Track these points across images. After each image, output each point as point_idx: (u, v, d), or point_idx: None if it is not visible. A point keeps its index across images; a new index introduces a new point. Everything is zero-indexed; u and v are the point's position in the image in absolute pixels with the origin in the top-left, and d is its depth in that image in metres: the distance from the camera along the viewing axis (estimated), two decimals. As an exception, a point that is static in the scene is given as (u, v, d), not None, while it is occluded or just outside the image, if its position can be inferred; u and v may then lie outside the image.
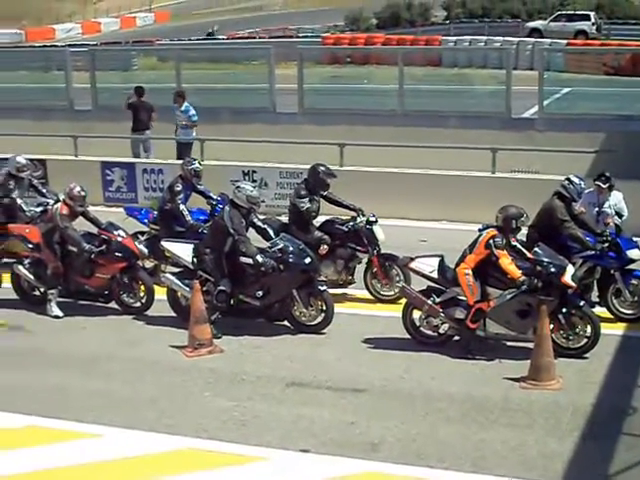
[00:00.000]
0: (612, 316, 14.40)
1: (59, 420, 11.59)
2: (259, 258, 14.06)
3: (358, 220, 15.74)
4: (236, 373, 13.07)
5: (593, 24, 55.23)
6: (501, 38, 46.26)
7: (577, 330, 13.32)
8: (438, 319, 13.62)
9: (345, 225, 15.83)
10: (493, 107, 24.04)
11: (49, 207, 16.47)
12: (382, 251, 15.73)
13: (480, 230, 14.10)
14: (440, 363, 13.30)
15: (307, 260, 14.34)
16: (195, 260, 14.64)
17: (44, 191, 18.08)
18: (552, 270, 13.23)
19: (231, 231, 14.16)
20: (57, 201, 15.96)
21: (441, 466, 10.34)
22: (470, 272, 13.28)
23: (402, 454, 10.65)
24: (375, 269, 15.80)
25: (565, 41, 46.60)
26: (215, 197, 16.49)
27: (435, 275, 13.69)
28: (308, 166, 16.40)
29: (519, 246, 13.61)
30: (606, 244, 14.47)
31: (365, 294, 15.95)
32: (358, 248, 15.80)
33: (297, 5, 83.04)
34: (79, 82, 27.34)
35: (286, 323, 14.63)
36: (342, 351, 13.80)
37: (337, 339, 14.19)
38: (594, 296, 14.66)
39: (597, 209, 15.34)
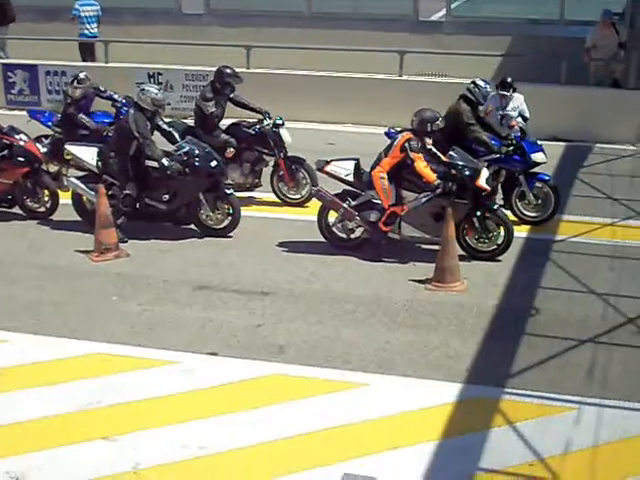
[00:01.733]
0: (516, 219, 14.55)
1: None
2: (165, 161, 14.03)
3: (265, 123, 15.71)
4: (143, 277, 13.09)
5: None
6: None
7: (491, 233, 13.53)
8: (353, 222, 13.71)
9: (252, 128, 15.81)
10: (401, 10, 23.90)
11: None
12: (289, 154, 15.74)
13: (387, 134, 14.16)
14: (349, 266, 13.43)
15: (213, 163, 14.30)
16: (100, 164, 14.55)
17: None
18: (467, 173, 13.38)
19: (136, 134, 14.06)
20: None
21: (346, 367, 10.49)
22: (385, 176, 13.35)
23: (308, 356, 10.78)
24: (282, 172, 15.87)
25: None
26: (120, 100, 16.28)
27: (351, 178, 13.76)
28: (214, 68, 16.28)
29: (434, 150, 13.66)
30: (511, 147, 14.61)
31: (272, 197, 15.99)
32: (265, 151, 15.82)
33: None
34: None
35: (193, 227, 14.63)
36: (249, 254, 13.89)
37: (244, 243, 14.26)
38: (499, 199, 14.79)
39: (501, 112, 15.39)
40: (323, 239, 14.06)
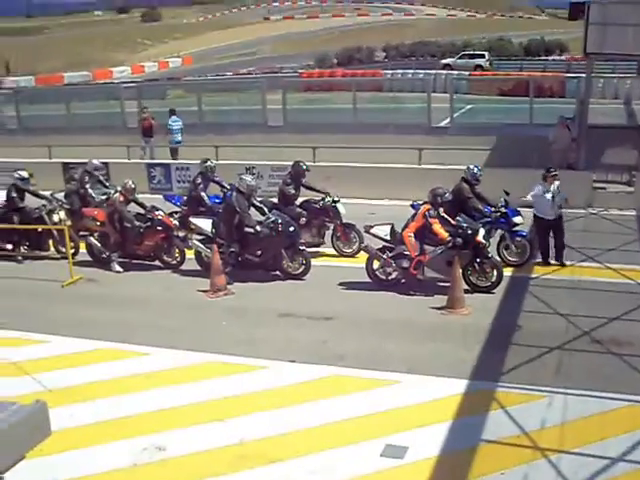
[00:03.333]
0: (503, 263, 14.37)
1: (120, 343, 11.62)
2: (258, 228, 14.19)
3: (326, 200, 15.73)
4: (244, 308, 13.06)
5: (487, 60, 55.00)
6: (423, 71, 46.03)
7: (487, 274, 13.47)
8: (390, 268, 13.69)
9: (317, 203, 15.82)
10: (418, 119, 23.96)
11: (111, 196, 16.43)
12: (344, 221, 15.72)
13: (412, 206, 14.14)
14: (386, 299, 13.30)
15: (292, 229, 14.39)
16: (213, 230, 14.65)
17: (107, 184, 18.01)
18: (469, 232, 13.39)
19: (238, 210, 14.15)
20: (116, 192, 15.97)
21: (387, 369, 10.44)
22: (412, 235, 13.40)
23: (360, 362, 10.71)
24: (339, 234, 15.84)
25: (468, 72, 46.40)
26: (227, 186, 16.37)
27: (388, 237, 13.78)
28: (291, 163, 16.36)
29: (445, 216, 13.72)
30: (498, 213, 14.51)
31: (332, 251, 15.92)
32: (327, 220, 15.82)
33: (281, 50, 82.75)
34: (129, 107, 27.15)
35: (278, 273, 14.59)
36: (317, 291, 13.80)
37: (314, 283, 14.19)
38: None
39: (551, 194, 14.62)
40: (369, 280, 13.95)
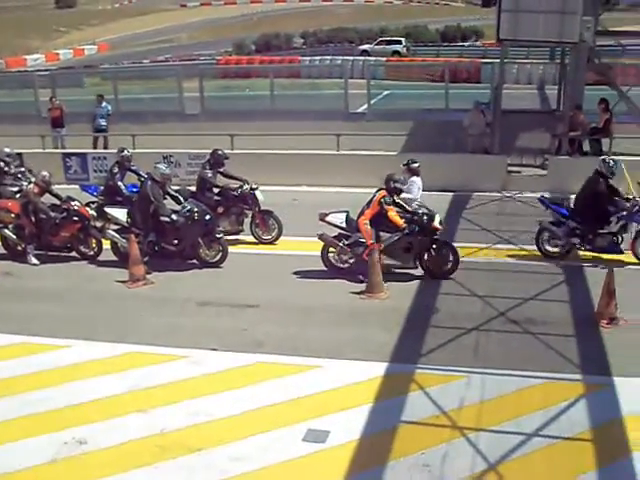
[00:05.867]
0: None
1: (39, 337, 11.40)
2: (173, 217, 14.10)
3: (244, 187, 15.68)
4: (163, 298, 12.95)
5: (404, 46, 55.49)
6: (341, 57, 46.11)
7: (443, 259, 13.42)
8: (346, 256, 13.67)
9: (235, 191, 15.75)
10: (336, 105, 24.00)
11: (24, 187, 16.12)
12: (262, 208, 15.70)
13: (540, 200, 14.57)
14: (305, 285, 13.34)
15: (207, 217, 14.30)
16: (129, 220, 14.50)
17: (22, 177, 17.60)
18: (424, 218, 13.40)
19: (152, 199, 14.04)
20: (29, 183, 15.68)
21: (307, 355, 10.49)
22: (367, 222, 13.37)
23: (281, 348, 10.74)
24: (258, 221, 15.80)
25: (385, 58, 46.70)
26: (144, 175, 16.17)
27: (344, 225, 13.72)
28: (209, 151, 16.27)
29: (401, 202, 13.70)
30: (636, 207, 13.89)
31: (251, 238, 15.89)
32: (245, 207, 15.77)
33: (198, 37, 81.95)
34: (44, 96, 26.52)
35: (195, 261, 14.51)
36: (236, 279, 13.75)
37: (233, 271, 14.13)
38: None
39: None
40: (286, 266, 14.01)
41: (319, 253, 13.76)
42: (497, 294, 12.45)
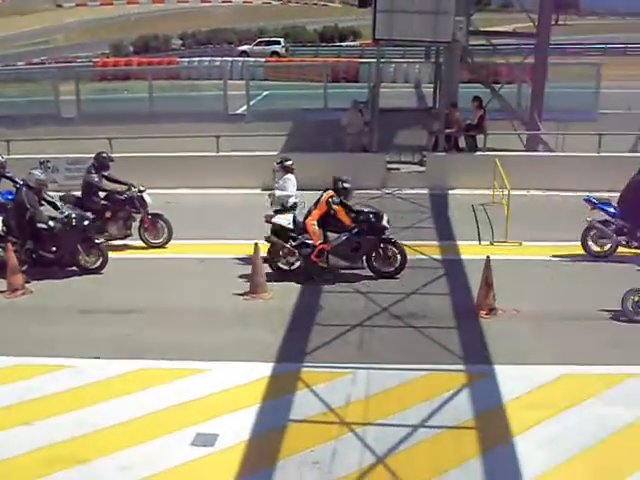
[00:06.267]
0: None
1: None
2: (51, 223, 13.73)
3: (132, 191, 15.37)
4: (43, 307, 12.56)
5: (283, 47, 55.74)
6: (220, 58, 45.89)
7: (390, 259, 13.43)
8: (293, 257, 13.55)
9: (123, 195, 15.41)
10: (216, 107, 23.85)
11: None
12: (151, 211, 15.43)
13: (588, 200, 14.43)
14: (191, 288, 13.16)
15: (85, 222, 14.00)
16: (5, 228, 14.02)
17: None
18: (372, 218, 13.43)
19: (27, 206, 13.64)
20: None
21: (193, 358, 10.40)
22: (315, 222, 13.31)
23: (166, 353, 10.60)
24: (146, 225, 15.49)
25: (264, 59, 46.74)
26: (19, 181, 15.65)
27: (291, 226, 13.54)
28: (87, 155, 15.92)
29: (347, 203, 13.65)
30: None
31: (140, 243, 15.54)
32: (133, 210, 15.43)
33: (74, 39, 79.98)
34: None
35: (75, 268, 14.13)
36: (120, 284, 13.49)
37: (116, 277, 13.86)
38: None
39: None
40: (174, 270, 13.87)
41: (201, 255, 13.69)
42: (380, 290, 12.65)
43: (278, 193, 14.19)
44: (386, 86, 27.74)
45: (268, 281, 12.85)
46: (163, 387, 9.71)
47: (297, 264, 13.65)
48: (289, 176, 14.55)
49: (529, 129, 20.84)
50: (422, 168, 19.78)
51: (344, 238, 13.37)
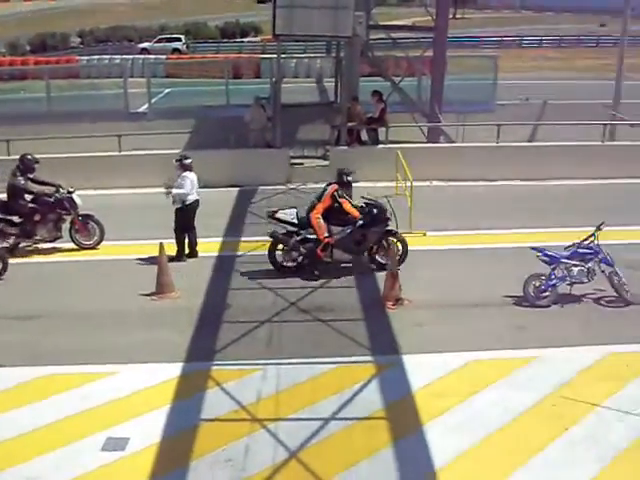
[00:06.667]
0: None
1: None
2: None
3: (60, 192, 14.93)
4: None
5: (184, 44, 55.15)
6: (120, 56, 45.13)
7: (394, 249, 13.15)
8: (296, 253, 13.29)
9: (51, 197, 14.93)
10: (117, 105, 23.52)
11: None
12: (81, 212, 15.00)
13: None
14: (98, 290, 12.86)
15: None
16: None
17: None
18: (376, 210, 13.32)
19: None
20: None
21: (101, 362, 10.23)
22: (319, 216, 13.17)
23: (73, 358, 10.37)
24: (77, 226, 15.03)
25: (165, 56, 46.15)
26: None
27: (296, 221, 13.34)
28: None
29: (346, 196, 13.54)
30: None
31: (71, 245, 15.04)
32: (63, 212, 14.95)
33: (-34, 38, 77.60)
34: None
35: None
36: (20, 290, 13.03)
37: (17, 282, 13.34)
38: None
39: None
40: (81, 273, 13.61)
41: (116, 256, 13.47)
42: (287, 285, 12.68)
43: (175, 191, 14.00)
44: (288, 81, 27.80)
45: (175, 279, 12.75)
46: (70, 393, 9.52)
47: (299, 260, 13.46)
48: (187, 174, 14.29)
49: (430, 121, 21.21)
50: (326, 162, 19.87)
51: (348, 231, 13.32)
